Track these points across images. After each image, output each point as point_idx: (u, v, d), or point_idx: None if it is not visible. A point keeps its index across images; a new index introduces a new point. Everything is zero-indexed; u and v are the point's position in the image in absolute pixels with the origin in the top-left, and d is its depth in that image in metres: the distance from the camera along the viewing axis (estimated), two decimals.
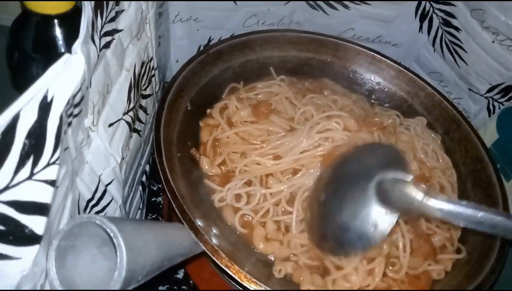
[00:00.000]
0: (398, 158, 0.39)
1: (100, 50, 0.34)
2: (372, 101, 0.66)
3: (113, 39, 0.37)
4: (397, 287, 0.43)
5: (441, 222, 0.49)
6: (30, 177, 0.24)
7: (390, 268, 0.44)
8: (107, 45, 0.36)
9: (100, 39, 0.34)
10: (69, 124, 0.28)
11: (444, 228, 0.49)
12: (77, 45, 0.26)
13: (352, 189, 0.39)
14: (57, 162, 0.25)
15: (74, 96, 0.26)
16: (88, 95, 0.32)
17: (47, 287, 0.28)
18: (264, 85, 0.61)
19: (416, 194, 0.32)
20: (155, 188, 0.64)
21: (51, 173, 0.25)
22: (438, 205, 0.32)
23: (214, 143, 0.53)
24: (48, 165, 0.24)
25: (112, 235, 0.26)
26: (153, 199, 0.63)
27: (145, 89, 0.49)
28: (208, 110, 0.58)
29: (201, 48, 0.70)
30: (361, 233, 0.37)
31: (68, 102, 0.25)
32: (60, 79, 0.25)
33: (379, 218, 0.37)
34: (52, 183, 0.25)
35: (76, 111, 0.28)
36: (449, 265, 0.47)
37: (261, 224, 0.47)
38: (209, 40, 0.71)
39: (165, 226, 0.38)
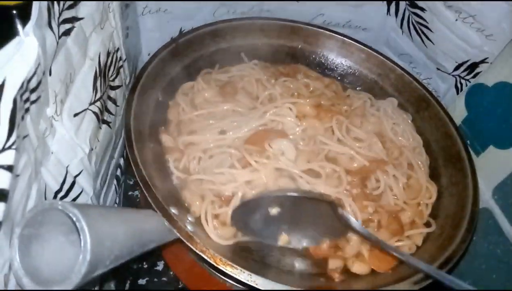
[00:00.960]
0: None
1: (59, 37, 0.33)
2: (345, 85, 0.67)
3: (74, 27, 0.36)
4: (360, 262, 0.45)
5: (409, 198, 0.51)
6: None
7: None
8: (67, 32, 0.35)
9: (58, 26, 0.33)
10: (27, 110, 0.28)
11: (413, 205, 0.50)
12: (29, 28, 0.26)
13: (309, 201, 0.46)
14: (14, 147, 0.24)
15: (28, 80, 0.26)
16: (47, 83, 0.31)
17: (11, 278, 0.27)
18: (238, 68, 0.61)
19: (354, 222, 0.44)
20: (131, 182, 0.63)
21: (7, 157, 0.24)
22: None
23: (179, 124, 0.54)
24: (3, 149, 0.24)
25: (74, 219, 0.26)
26: (129, 193, 0.63)
27: (113, 80, 0.49)
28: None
29: None
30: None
31: (22, 86, 0.25)
32: (12, 63, 0.24)
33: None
34: (9, 168, 0.24)
35: (33, 97, 0.28)
36: (419, 239, 0.48)
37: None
38: (181, 32, 0.70)
39: (135, 212, 0.37)
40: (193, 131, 0.52)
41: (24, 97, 0.26)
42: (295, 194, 0.45)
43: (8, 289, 0.26)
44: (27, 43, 0.25)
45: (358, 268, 0.45)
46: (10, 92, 0.24)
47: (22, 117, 0.27)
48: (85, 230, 0.25)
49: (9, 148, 0.24)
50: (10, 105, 0.24)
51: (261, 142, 0.49)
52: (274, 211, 0.46)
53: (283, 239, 0.47)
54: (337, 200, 0.47)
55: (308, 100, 0.54)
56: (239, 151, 0.49)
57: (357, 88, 0.66)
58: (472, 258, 0.55)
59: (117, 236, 0.29)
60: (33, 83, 0.27)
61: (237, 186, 0.47)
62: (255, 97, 0.57)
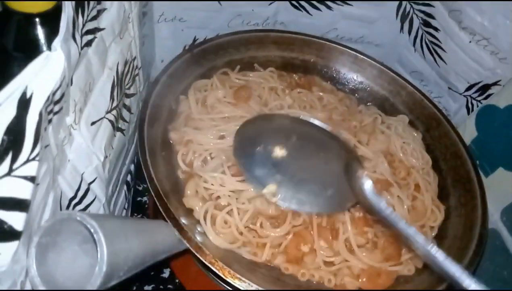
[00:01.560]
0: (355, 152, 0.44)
1: (82, 48, 0.34)
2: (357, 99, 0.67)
3: (95, 37, 0.37)
4: (351, 283, 0.45)
5: (413, 221, 0.50)
6: (9, 173, 0.24)
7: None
8: (88, 43, 0.36)
9: (81, 37, 0.34)
10: (50, 121, 0.28)
11: (416, 227, 0.50)
12: (57, 43, 0.26)
13: (323, 153, 0.43)
14: (37, 158, 0.25)
15: (54, 93, 0.26)
16: (69, 93, 0.32)
17: (27, 285, 0.28)
18: (256, 74, 0.62)
19: (368, 187, 0.38)
20: (140, 188, 0.64)
21: (31, 169, 0.25)
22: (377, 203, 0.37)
23: (187, 118, 0.54)
24: (27, 161, 0.24)
25: (92, 230, 0.26)
26: (138, 199, 0.63)
27: (128, 88, 0.49)
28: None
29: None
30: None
31: (47, 99, 0.25)
32: (40, 76, 0.25)
33: (343, 191, 0.42)
34: (31, 179, 0.25)
35: (56, 108, 0.28)
36: (419, 261, 0.47)
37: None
38: (194, 40, 0.71)
39: (148, 222, 0.38)
40: (197, 128, 0.53)
41: (49, 109, 0.27)
42: (317, 123, 0.42)
43: None
44: (55, 58, 0.26)
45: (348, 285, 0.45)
46: (37, 105, 0.24)
47: (45, 129, 0.27)
48: (102, 242, 0.26)
49: (33, 159, 0.25)
50: (36, 119, 0.24)
51: None
52: (279, 152, 0.42)
53: (270, 188, 0.43)
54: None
55: (315, 114, 0.54)
56: (229, 158, 0.48)
57: (368, 104, 0.66)
58: (478, 279, 0.55)
59: (132, 247, 0.30)
60: (57, 96, 0.27)
61: (224, 192, 0.46)
62: (265, 105, 0.57)
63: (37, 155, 0.25)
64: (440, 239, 0.51)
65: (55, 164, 0.32)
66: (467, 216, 0.52)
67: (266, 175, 0.43)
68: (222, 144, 0.51)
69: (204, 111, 0.55)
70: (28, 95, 0.24)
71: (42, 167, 0.29)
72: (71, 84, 0.33)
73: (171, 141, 0.53)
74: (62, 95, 0.29)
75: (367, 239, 0.46)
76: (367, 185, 0.38)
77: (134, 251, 0.30)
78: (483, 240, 0.48)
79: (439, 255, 0.33)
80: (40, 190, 0.29)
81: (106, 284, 0.27)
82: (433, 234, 0.51)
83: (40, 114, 0.25)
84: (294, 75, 0.65)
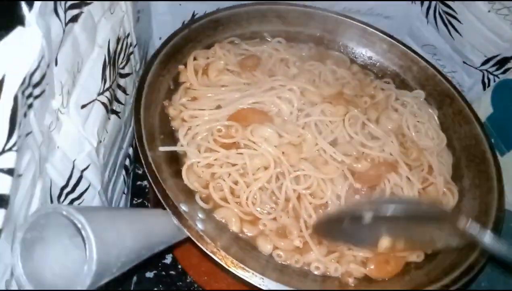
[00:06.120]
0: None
1: (66, 24, 0.31)
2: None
3: (82, 12, 0.34)
4: (359, 268, 0.43)
5: None
6: None
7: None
8: (74, 19, 0.33)
9: (65, 12, 0.31)
10: (30, 106, 0.25)
11: None
12: (31, 17, 0.23)
13: None
14: (15, 148, 0.23)
15: (31, 75, 0.24)
16: (52, 74, 0.29)
17: (13, 284, 0.26)
18: (268, 46, 0.59)
19: None
20: (140, 172, 0.62)
21: (8, 160, 0.22)
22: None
23: (186, 89, 0.53)
24: (3, 151, 0.22)
25: (79, 226, 0.24)
26: (138, 183, 0.61)
27: (123, 68, 0.47)
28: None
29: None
30: None
31: (23, 82, 0.23)
32: (13, 57, 0.22)
33: None
34: (9, 171, 0.22)
35: (37, 92, 0.26)
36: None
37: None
38: (193, 15, 0.67)
39: (143, 212, 0.36)
40: (195, 98, 0.51)
41: (27, 93, 0.24)
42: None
43: None
44: (30, 34, 0.23)
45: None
46: (10, 89, 0.22)
47: (25, 114, 0.25)
48: (91, 239, 0.24)
49: (10, 149, 0.22)
50: (11, 104, 0.22)
51: (243, 120, 0.47)
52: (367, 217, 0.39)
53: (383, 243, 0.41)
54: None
55: (319, 90, 0.52)
56: (221, 126, 0.48)
57: (384, 80, 0.62)
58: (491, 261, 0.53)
59: (125, 241, 0.28)
60: (36, 78, 0.25)
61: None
62: (272, 75, 0.54)
63: (14, 145, 0.22)
64: None
65: (42, 152, 0.29)
66: (482, 198, 0.49)
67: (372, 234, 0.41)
68: (217, 115, 0.49)
69: (204, 81, 0.52)
70: None
71: (24, 156, 0.26)
72: (56, 65, 0.30)
73: (170, 118, 0.50)
74: (43, 77, 0.26)
75: None
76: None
77: (128, 245, 0.28)
78: (499, 224, 0.46)
79: None
80: (24, 181, 0.27)
81: (97, 282, 0.25)
82: None
83: (15, 99, 0.22)
84: (304, 46, 0.62)
